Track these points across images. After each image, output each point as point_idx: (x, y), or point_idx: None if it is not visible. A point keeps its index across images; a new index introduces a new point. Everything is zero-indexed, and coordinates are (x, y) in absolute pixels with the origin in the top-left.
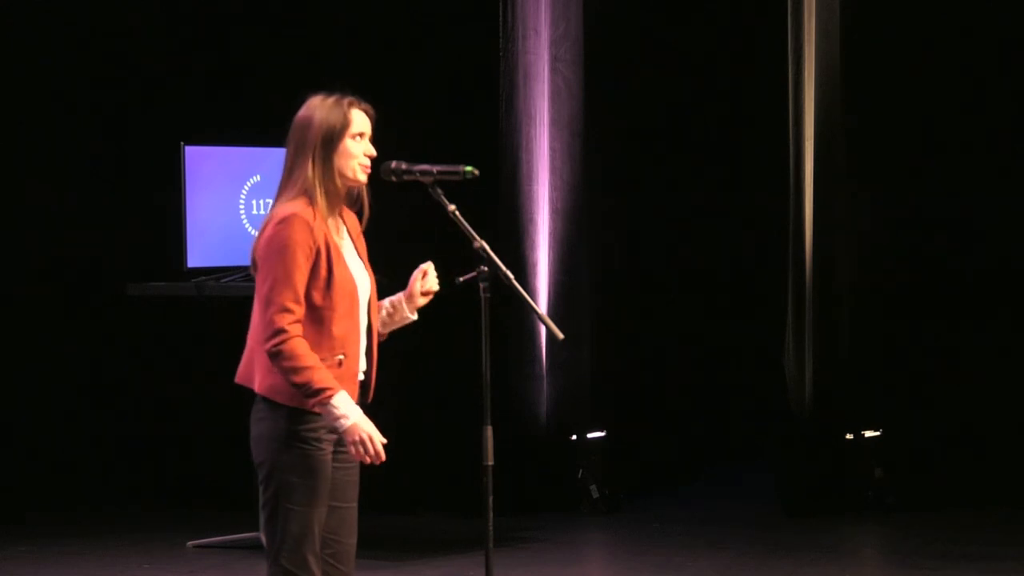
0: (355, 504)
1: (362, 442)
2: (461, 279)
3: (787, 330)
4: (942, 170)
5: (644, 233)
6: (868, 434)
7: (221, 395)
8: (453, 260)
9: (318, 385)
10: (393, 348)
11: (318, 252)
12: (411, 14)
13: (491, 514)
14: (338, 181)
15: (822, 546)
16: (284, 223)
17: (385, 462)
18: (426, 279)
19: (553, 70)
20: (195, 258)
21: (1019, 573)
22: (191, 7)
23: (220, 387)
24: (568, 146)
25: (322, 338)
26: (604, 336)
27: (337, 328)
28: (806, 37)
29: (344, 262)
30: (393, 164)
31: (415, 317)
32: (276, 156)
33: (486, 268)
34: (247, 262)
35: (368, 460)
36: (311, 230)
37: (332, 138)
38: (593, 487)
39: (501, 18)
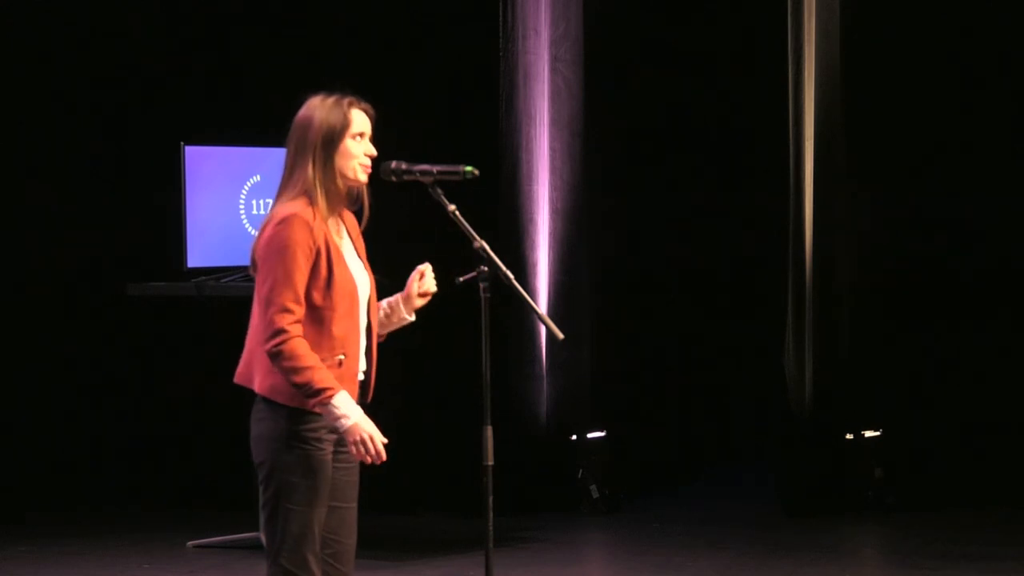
0: (355, 504)
1: (363, 442)
2: (461, 279)
3: (787, 330)
4: (942, 170)
5: (644, 233)
6: (868, 434)
7: (221, 395)
8: (453, 260)
9: (319, 385)
10: (393, 348)
11: (318, 252)
12: (411, 14)
13: (491, 514)
14: (339, 181)
15: (822, 546)
16: (284, 223)
17: (385, 462)
18: (423, 280)
19: (553, 70)
20: (195, 258)
21: (1019, 573)
22: (191, 7)
23: (220, 387)
24: (568, 146)
25: (322, 338)
26: (604, 336)
27: (337, 328)
28: (806, 37)
29: (344, 262)
30: (393, 164)
31: (413, 318)
32: (276, 156)
33: (486, 268)
34: (247, 262)
35: (369, 460)
36: (311, 230)
37: (332, 138)
38: (593, 487)
39: (501, 18)
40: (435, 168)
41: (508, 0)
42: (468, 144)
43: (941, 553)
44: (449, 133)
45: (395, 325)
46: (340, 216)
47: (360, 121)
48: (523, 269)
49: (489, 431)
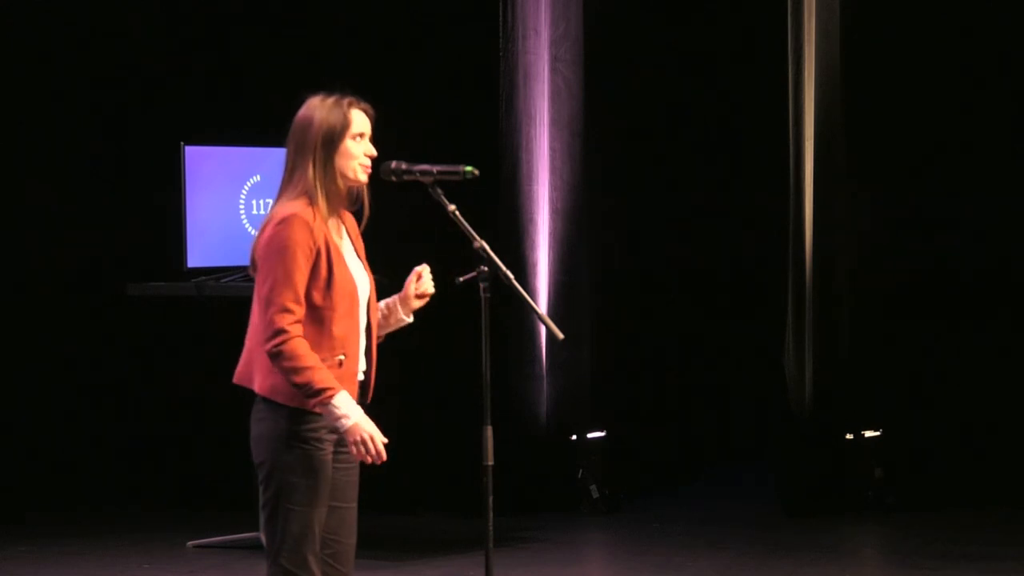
0: (355, 504)
1: (363, 442)
2: (461, 279)
3: (787, 330)
4: (942, 170)
5: (644, 233)
6: (868, 434)
7: (221, 395)
8: (453, 260)
9: (319, 385)
10: (393, 348)
11: (318, 252)
12: (411, 14)
13: (491, 514)
14: (339, 182)
15: (822, 546)
16: (284, 223)
17: (385, 462)
18: (420, 282)
19: (553, 70)
20: (195, 258)
21: (1019, 573)
22: (191, 7)
23: (220, 387)
24: (568, 146)
25: (322, 338)
26: (604, 336)
27: (337, 328)
28: (806, 37)
29: (344, 262)
30: (393, 164)
31: (410, 319)
32: (276, 156)
33: (486, 268)
34: (247, 262)
35: (369, 460)
36: (311, 230)
37: (332, 139)
38: (593, 487)
39: (501, 18)
40: (435, 168)
41: (508, 0)
42: (468, 144)
43: (941, 553)
44: (449, 133)
45: (393, 326)
46: (340, 216)
47: (360, 121)
48: (523, 269)
49: (489, 431)
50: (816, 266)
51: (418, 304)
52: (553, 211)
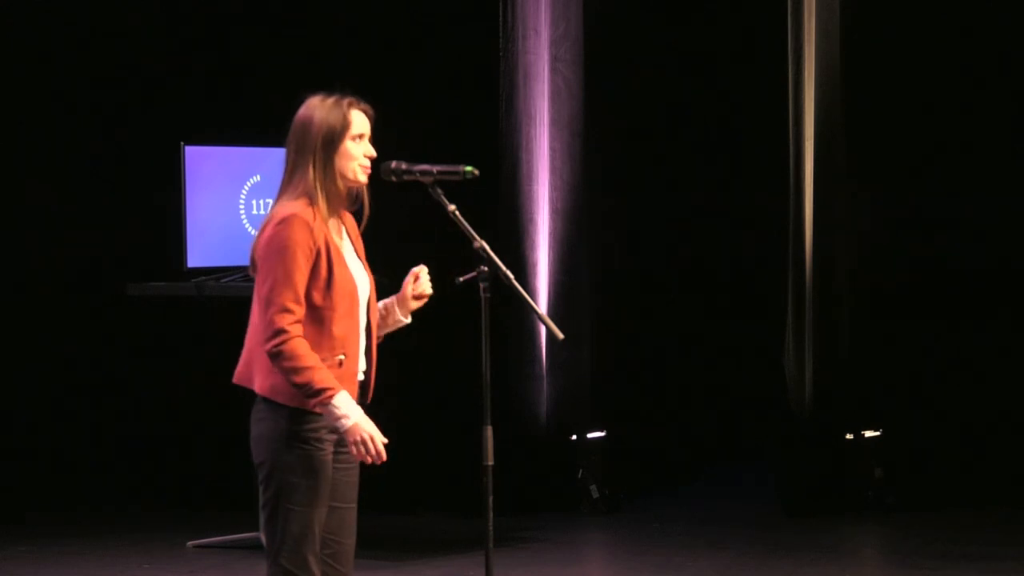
0: (355, 505)
1: (363, 442)
2: (461, 279)
3: (787, 330)
4: (942, 170)
5: (644, 233)
6: (868, 434)
7: (221, 395)
8: (453, 260)
9: (319, 385)
10: (392, 348)
11: (318, 253)
12: (411, 14)
13: (491, 514)
14: (339, 182)
15: (822, 546)
16: (284, 223)
17: (385, 462)
18: (418, 283)
19: (553, 70)
20: (195, 258)
21: (1019, 573)
22: (191, 7)
23: (220, 387)
24: (568, 146)
25: (322, 338)
26: (604, 336)
27: (337, 328)
28: (806, 37)
29: (344, 262)
30: (393, 164)
31: (408, 320)
32: (276, 156)
33: (486, 268)
34: (247, 262)
35: (369, 460)
36: (311, 230)
37: (332, 140)
38: (593, 487)
39: (501, 18)
40: (435, 168)
41: (508, 0)
42: (468, 144)
43: (941, 553)
44: (449, 133)
45: (391, 327)
46: (340, 217)
47: (360, 122)
48: (523, 269)
49: (489, 431)
50: (816, 266)
51: (416, 305)
52: (553, 211)
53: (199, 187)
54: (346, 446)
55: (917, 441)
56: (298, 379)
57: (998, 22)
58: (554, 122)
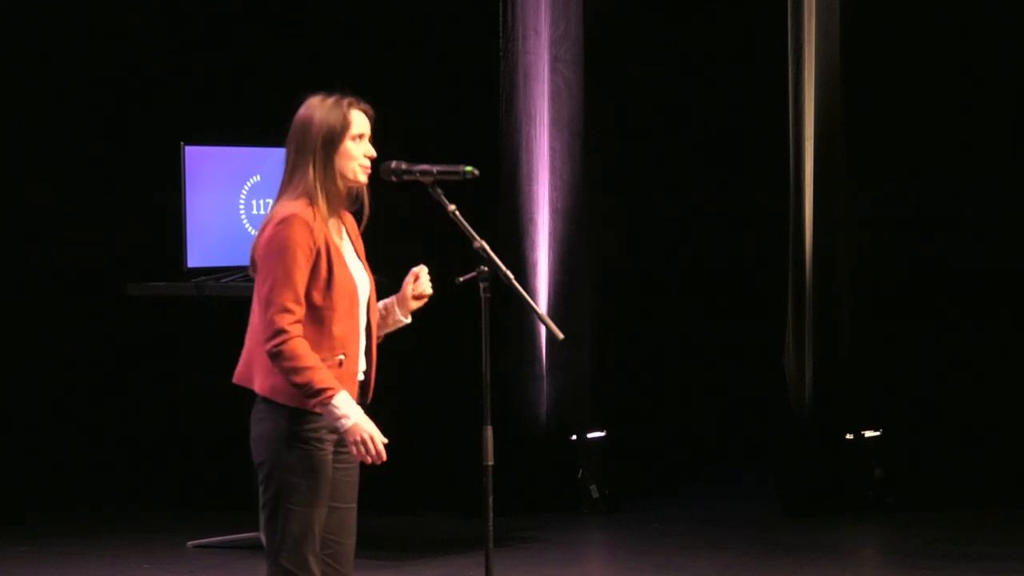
0: (354, 505)
1: (363, 442)
2: (461, 279)
3: (787, 330)
4: (942, 170)
5: (644, 233)
6: (868, 434)
7: (221, 395)
8: (453, 260)
9: (319, 385)
10: (392, 348)
11: (318, 253)
12: (411, 14)
13: (491, 514)
14: (339, 182)
15: (822, 546)
16: (284, 223)
17: (385, 462)
18: (418, 283)
19: (553, 70)
20: (195, 258)
21: (1019, 573)
22: (191, 7)
23: (220, 387)
24: (568, 146)
25: (322, 338)
26: (604, 336)
27: (337, 328)
28: (806, 37)
29: (344, 262)
30: (393, 164)
31: (408, 320)
32: (276, 156)
33: (486, 268)
34: (247, 262)
35: (369, 460)
36: (311, 230)
37: (332, 140)
38: (593, 487)
39: (501, 18)
40: (435, 168)
41: (508, 0)
42: (468, 144)
43: (941, 553)
44: (449, 133)
45: (391, 327)
46: (340, 217)
47: (360, 122)
48: (523, 269)
49: (489, 431)
50: (816, 266)
51: (416, 305)
52: (553, 211)
53: (199, 187)
54: (346, 446)
55: (917, 441)
56: (298, 379)
57: (998, 22)
58: (554, 122)
